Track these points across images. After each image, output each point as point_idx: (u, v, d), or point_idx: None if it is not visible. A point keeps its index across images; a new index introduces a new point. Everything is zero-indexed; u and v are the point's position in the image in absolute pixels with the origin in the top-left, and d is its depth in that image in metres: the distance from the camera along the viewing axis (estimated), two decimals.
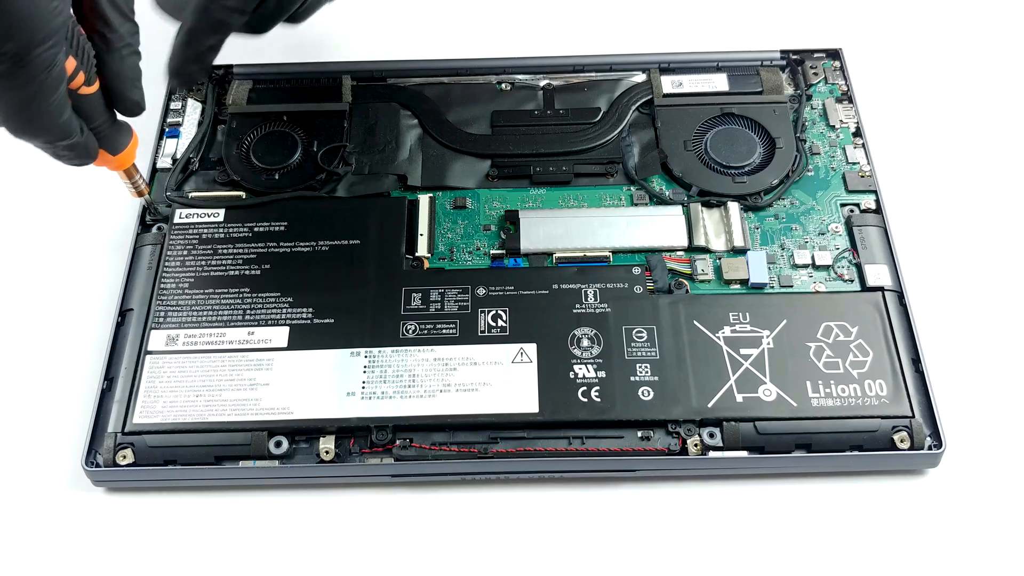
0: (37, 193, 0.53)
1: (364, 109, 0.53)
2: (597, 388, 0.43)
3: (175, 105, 0.53)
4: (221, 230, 0.48)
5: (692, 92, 0.53)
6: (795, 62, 0.55)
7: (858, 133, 0.52)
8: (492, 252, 0.48)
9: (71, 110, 0.38)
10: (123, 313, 0.46)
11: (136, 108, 0.41)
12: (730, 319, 0.44)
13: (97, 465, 0.42)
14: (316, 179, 0.50)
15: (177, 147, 0.52)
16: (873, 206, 0.49)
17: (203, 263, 0.47)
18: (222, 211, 0.49)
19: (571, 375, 0.43)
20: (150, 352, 0.44)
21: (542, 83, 0.54)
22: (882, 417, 0.42)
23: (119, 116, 0.41)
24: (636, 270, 0.46)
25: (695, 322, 0.44)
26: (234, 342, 0.44)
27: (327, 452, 0.42)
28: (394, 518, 0.42)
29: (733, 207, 0.49)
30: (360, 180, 0.50)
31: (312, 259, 0.47)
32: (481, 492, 0.43)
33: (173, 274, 0.46)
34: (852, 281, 0.46)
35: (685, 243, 0.48)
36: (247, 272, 0.46)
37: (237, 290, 0.46)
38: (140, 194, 0.46)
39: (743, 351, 0.44)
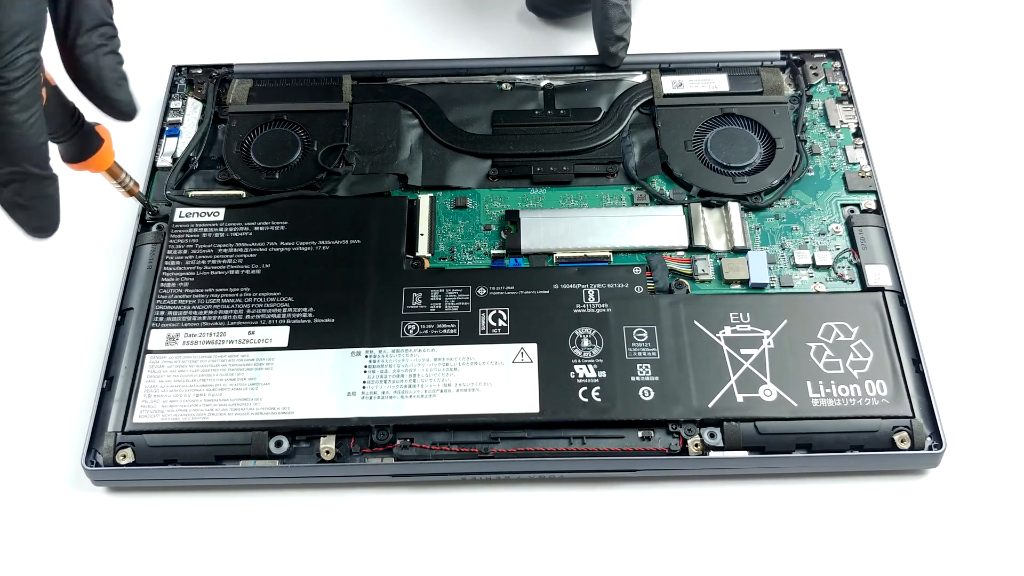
0: None
1: (364, 109, 0.53)
2: (597, 388, 0.43)
3: (175, 104, 0.53)
4: (221, 229, 0.48)
5: (692, 92, 0.53)
6: (795, 62, 0.55)
7: (858, 133, 0.52)
8: (493, 252, 0.48)
9: (47, 135, 0.35)
10: (123, 312, 0.46)
11: (128, 108, 0.38)
12: (730, 319, 0.44)
13: (97, 465, 0.42)
14: (316, 179, 0.50)
15: (177, 146, 0.52)
16: (873, 206, 0.49)
17: (203, 262, 0.47)
18: (222, 210, 0.49)
19: (571, 375, 0.43)
20: (150, 351, 0.44)
21: (542, 83, 0.54)
22: (882, 417, 0.42)
23: (101, 118, 0.39)
24: (636, 270, 0.46)
25: (695, 322, 0.44)
26: (234, 341, 0.44)
27: (327, 452, 0.42)
28: (394, 518, 0.42)
29: (733, 207, 0.49)
30: (360, 180, 0.50)
31: (312, 259, 0.47)
32: (481, 492, 0.43)
33: (173, 273, 0.46)
34: (852, 281, 0.46)
35: (685, 243, 0.48)
36: (247, 271, 0.46)
37: (237, 289, 0.46)
38: (131, 193, 0.45)
39: (743, 351, 0.44)
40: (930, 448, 0.42)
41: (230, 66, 0.55)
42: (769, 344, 0.44)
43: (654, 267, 0.47)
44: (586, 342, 0.44)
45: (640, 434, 0.42)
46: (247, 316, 0.45)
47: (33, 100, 0.34)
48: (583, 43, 0.59)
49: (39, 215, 0.37)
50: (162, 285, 0.46)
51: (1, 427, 0.45)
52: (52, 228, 0.38)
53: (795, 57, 0.55)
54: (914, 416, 0.42)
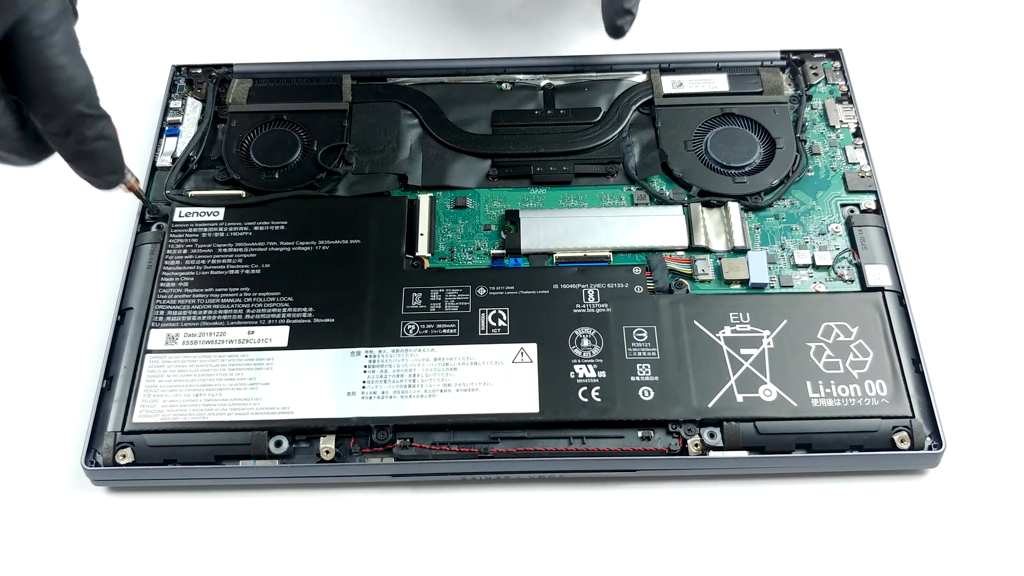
0: (37, 191, 0.53)
1: (364, 109, 0.53)
2: (597, 388, 0.43)
3: (175, 104, 0.53)
4: (221, 229, 0.48)
5: (692, 92, 0.53)
6: (795, 62, 0.55)
7: (858, 133, 0.52)
8: (492, 252, 0.48)
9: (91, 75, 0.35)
10: (123, 312, 0.46)
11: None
12: (730, 319, 0.44)
13: (97, 464, 0.42)
14: (316, 178, 0.50)
15: (177, 146, 0.52)
16: (873, 206, 0.49)
17: (203, 262, 0.47)
18: (222, 210, 0.49)
19: (571, 375, 0.43)
20: (150, 351, 0.44)
21: (542, 83, 0.54)
22: (882, 417, 0.42)
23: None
24: (636, 270, 0.46)
25: (695, 322, 0.44)
26: (234, 341, 0.44)
27: (327, 452, 0.42)
28: (394, 518, 0.42)
29: (733, 207, 0.49)
30: (360, 180, 0.50)
31: (312, 258, 0.47)
32: (481, 492, 0.43)
33: (173, 273, 0.46)
34: (852, 281, 0.46)
35: (685, 243, 0.48)
36: (247, 271, 0.46)
37: (237, 289, 0.46)
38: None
39: (743, 351, 0.44)
40: (930, 448, 0.42)
41: (230, 66, 0.55)
42: (769, 344, 0.44)
43: (654, 267, 0.47)
44: (586, 342, 0.44)
45: (640, 434, 0.42)
46: (247, 316, 0.45)
47: (72, 41, 0.34)
48: (583, 43, 0.59)
49: (104, 159, 0.37)
50: (162, 285, 0.46)
51: (1, 427, 0.45)
52: (119, 171, 0.38)
53: (795, 57, 0.55)
54: (914, 416, 0.42)
